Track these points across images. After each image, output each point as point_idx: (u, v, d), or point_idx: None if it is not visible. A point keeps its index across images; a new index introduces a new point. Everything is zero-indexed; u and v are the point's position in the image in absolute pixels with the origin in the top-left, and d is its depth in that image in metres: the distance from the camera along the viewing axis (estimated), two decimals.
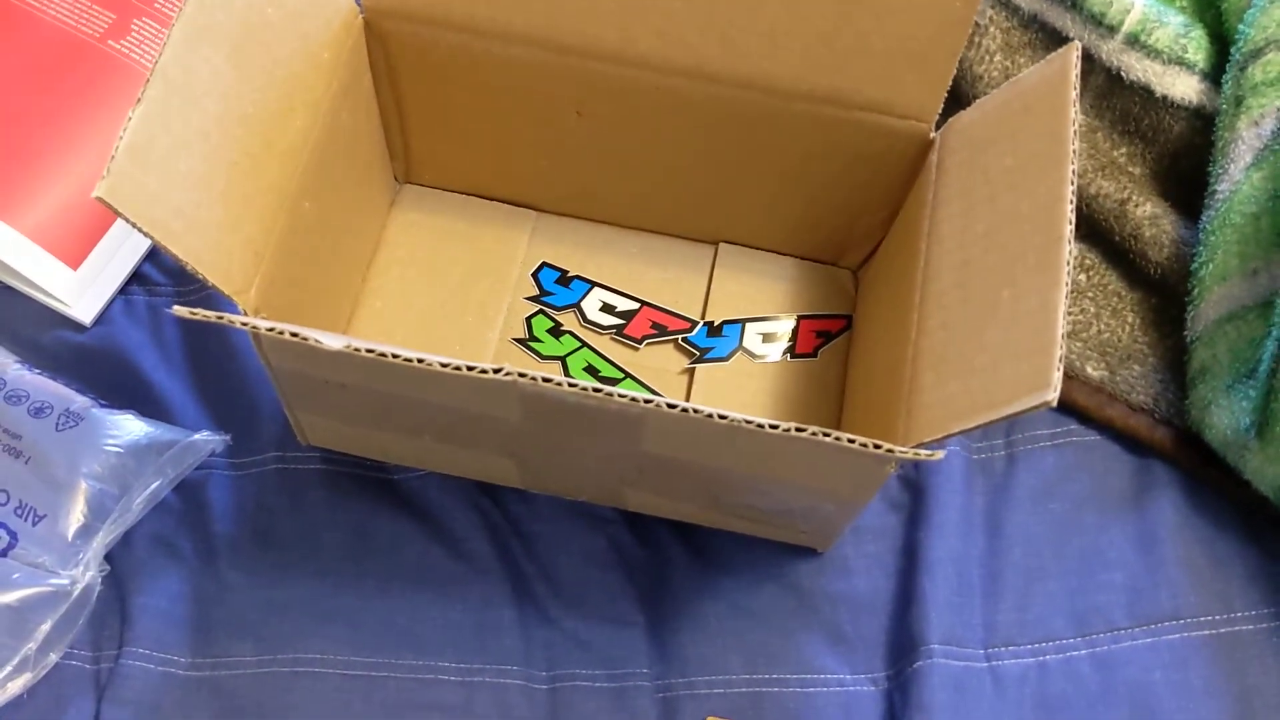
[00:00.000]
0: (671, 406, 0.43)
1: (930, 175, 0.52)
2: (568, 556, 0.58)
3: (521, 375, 0.43)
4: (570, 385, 0.43)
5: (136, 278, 0.66)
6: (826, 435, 0.43)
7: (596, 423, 0.47)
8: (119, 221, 0.65)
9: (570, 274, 0.64)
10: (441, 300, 0.62)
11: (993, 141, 0.49)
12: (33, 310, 0.64)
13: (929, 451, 0.42)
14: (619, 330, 0.62)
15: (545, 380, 0.42)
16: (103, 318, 0.64)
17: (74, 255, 0.64)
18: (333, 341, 0.40)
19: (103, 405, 0.58)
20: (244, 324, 0.41)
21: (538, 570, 0.58)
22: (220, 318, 0.41)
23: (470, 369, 0.42)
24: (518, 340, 0.62)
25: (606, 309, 0.63)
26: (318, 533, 0.59)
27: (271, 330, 0.40)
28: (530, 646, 0.56)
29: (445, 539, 0.58)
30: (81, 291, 0.64)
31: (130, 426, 0.58)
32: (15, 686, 0.53)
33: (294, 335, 0.40)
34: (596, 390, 0.43)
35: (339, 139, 0.54)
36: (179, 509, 0.59)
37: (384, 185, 0.64)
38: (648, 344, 0.62)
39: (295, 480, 0.60)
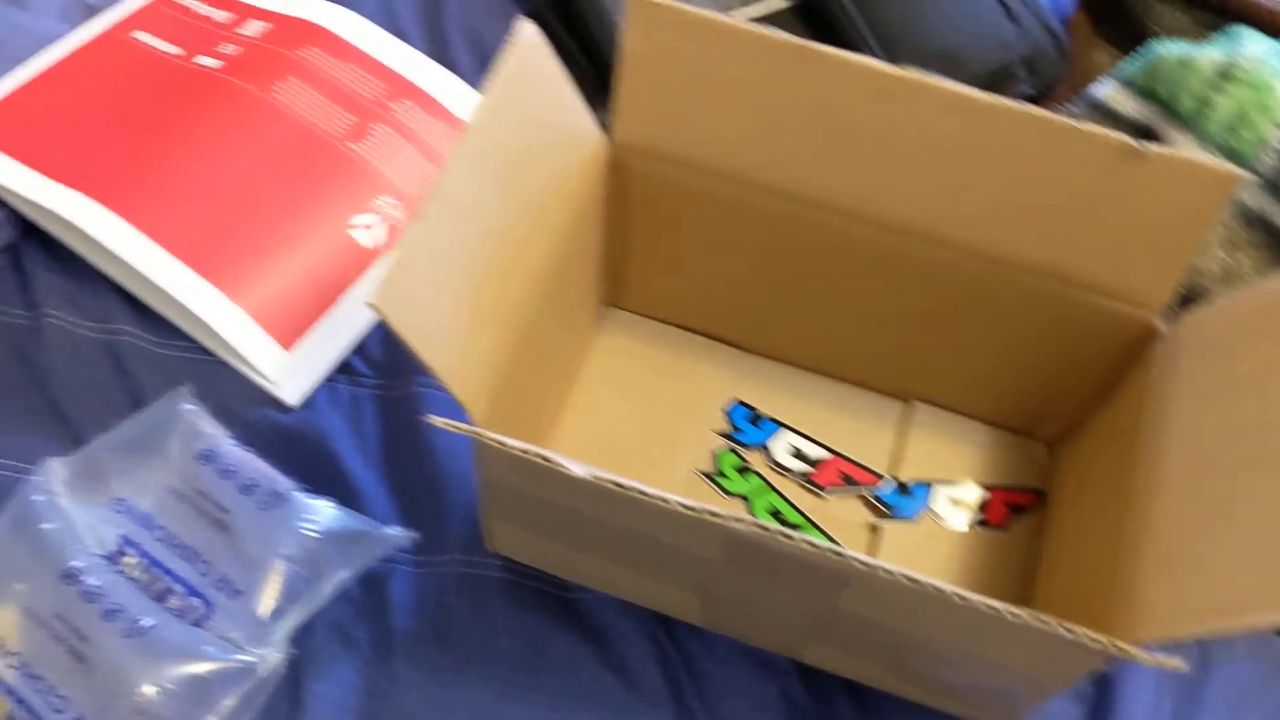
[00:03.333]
0: (889, 572, 0.43)
1: (1159, 367, 0.52)
2: (737, 700, 0.58)
3: (738, 520, 0.43)
4: (785, 535, 0.43)
5: (343, 367, 0.68)
6: (1048, 622, 0.42)
7: (798, 575, 0.47)
8: (333, 310, 0.68)
9: (762, 414, 0.64)
10: (635, 424, 0.63)
11: (1234, 343, 0.49)
12: (242, 387, 0.66)
13: (1171, 659, 0.41)
14: (806, 476, 0.62)
15: (762, 528, 0.43)
16: (307, 402, 0.67)
17: (288, 337, 0.67)
18: (578, 469, 0.41)
19: (303, 489, 0.60)
20: (496, 442, 0.42)
21: (705, 711, 0.57)
22: (473, 432, 0.42)
23: (693, 509, 0.43)
24: (704, 473, 0.63)
25: (795, 453, 0.63)
26: (494, 639, 0.59)
27: (526, 453, 0.42)
28: None
29: (618, 665, 0.58)
30: (291, 373, 0.66)
31: (327, 513, 0.59)
32: None
33: (543, 459, 0.42)
34: (812, 545, 0.43)
35: (572, 262, 0.56)
36: (359, 599, 0.60)
37: (595, 306, 0.65)
38: (834, 494, 0.62)
39: (476, 584, 0.60)
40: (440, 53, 0.79)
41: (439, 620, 0.60)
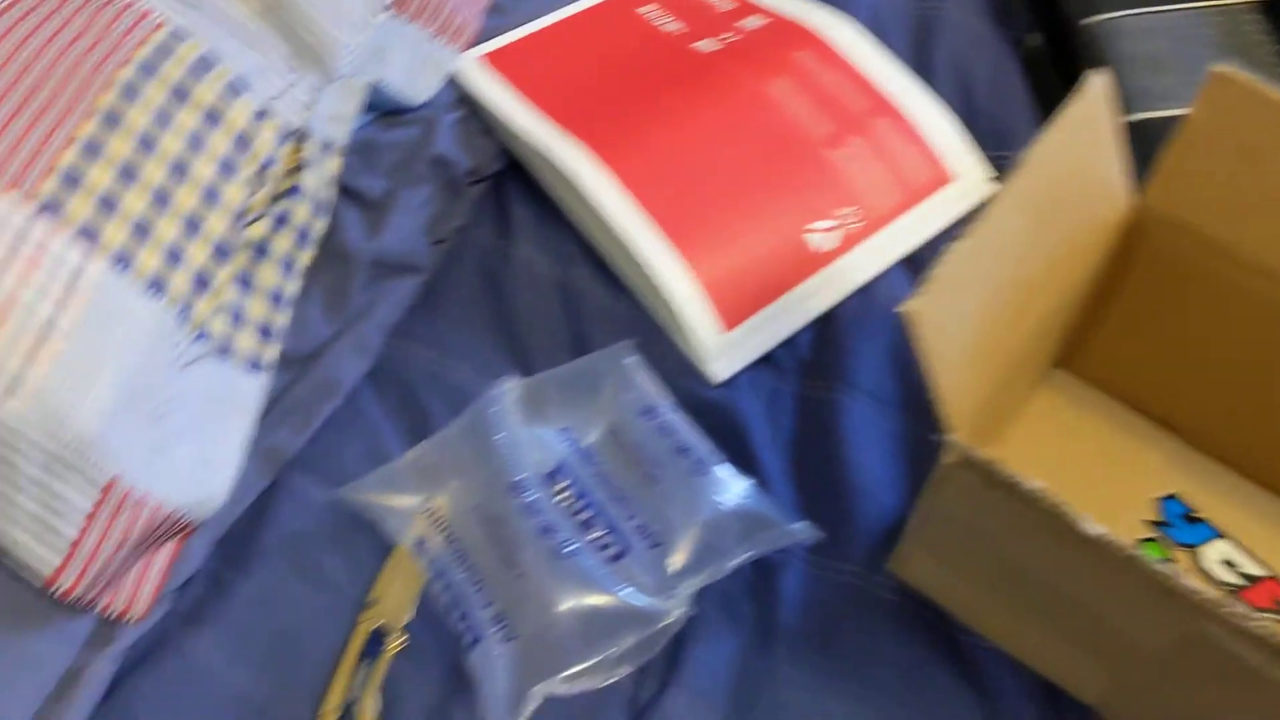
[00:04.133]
0: None
1: None
2: None
3: (1233, 613, 0.41)
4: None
5: (768, 358, 0.70)
6: None
7: (1257, 689, 0.45)
8: (776, 302, 0.70)
9: (1198, 515, 0.61)
10: (1058, 493, 0.62)
11: None
12: (674, 354, 0.70)
13: None
14: (1236, 591, 0.59)
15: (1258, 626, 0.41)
16: (730, 382, 0.69)
17: (731, 318, 0.69)
18: (1092, 528, 0.41)
19: (725, 464, 0.62)
20: (1008, 477, 0.43)
21: None
22: (992, 463, 0.43)
23: (1192, 591, 0.41)
24: None
25: (1228, 565, 0.60)
26: (876, 661, 0.59)
27: (1041, 492, 0.42)
28: None
29: None
30: (724, 353, 0.69)
31: (745, 493, 0.61)
32: (586, 682, 0.57)
33: (1054, 506, 0.41)
34: None
35: (1060, 316, 0.55)
36: (751, 582, 0.62)
37: (1044, 363, 0.64)
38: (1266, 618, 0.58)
39: (868, 601, 0.61)
40: (923, 77, 0.80)
41: (825, 625, 0.60)
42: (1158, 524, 0.61)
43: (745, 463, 0.65)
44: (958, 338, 0.47)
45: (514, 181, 0.77)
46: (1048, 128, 0.48)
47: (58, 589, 0.53)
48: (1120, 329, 0.61)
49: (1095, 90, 0.49)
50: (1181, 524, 0.61)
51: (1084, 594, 0.47)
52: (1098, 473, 0.63)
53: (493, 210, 0.76)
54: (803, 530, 0.61)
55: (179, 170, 0.60)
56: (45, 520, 0.52)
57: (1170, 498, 0.62)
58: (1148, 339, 0.61)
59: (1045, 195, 0.49)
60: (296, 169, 0.68)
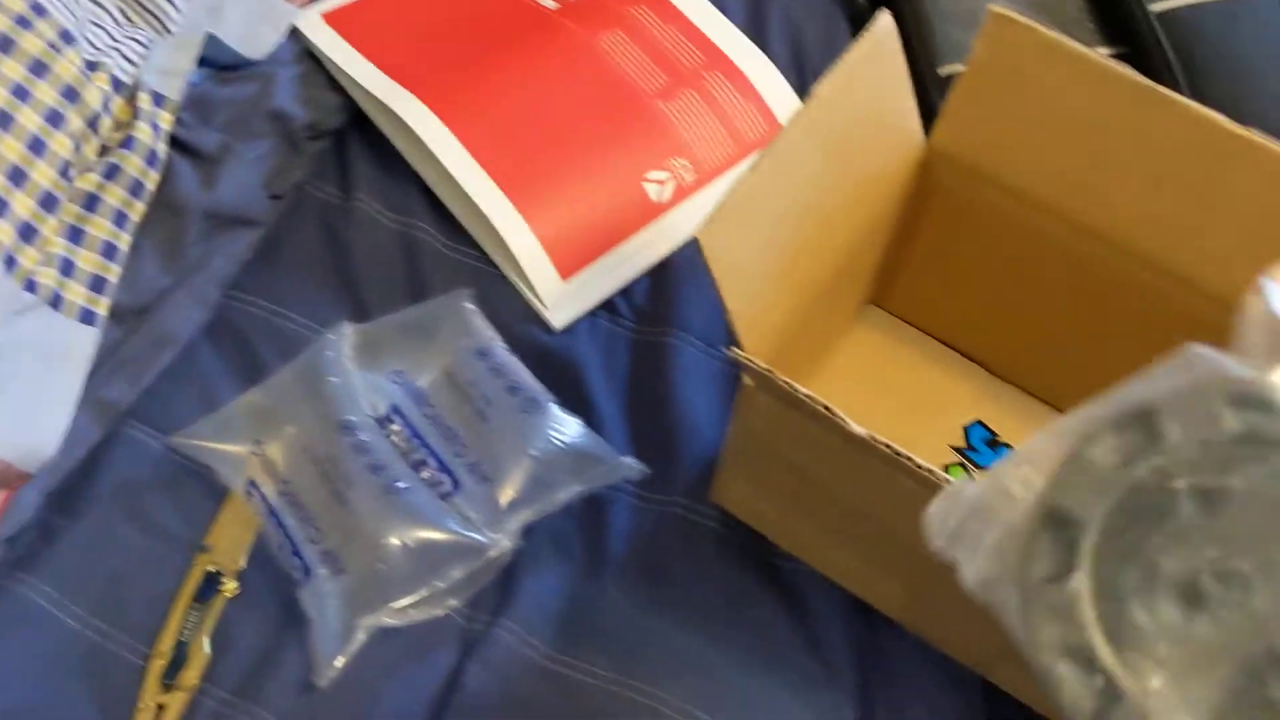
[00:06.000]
0: None
1: None
2: (919, 703, 0.59)
3: None
4: None
5: (607, 305, 0.72)
6: None
7: None
8: (613, 252, 0.72)
9: (1001, 440, 0.65)
10: (869, 423, 0.65)
11: None
12: (514, 303, 0.71)
13: None
14: None
15: None
16: (569, 329, 0.71)
17: (568, 267, 0.71)
18: (857, 429, 0.44)
19: (557, 403, 0.64)
20: (786, 383, 0.45)
21: (886, 705, 0.59)
22: (767, 370, 0.45)
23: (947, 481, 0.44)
24: None
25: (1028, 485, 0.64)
26: (700, 586, 0.62)
27: (810, 399, 0.44)
28: None
29: (811, 640, 0.60)
30: (562, 301, 0.71)
31: (575, 431, 0.63)
32: (414, 614, 0.59)
33: (826, 409, 0.44)
34: None
35: (864, 253, 0.58)
36: (581, 516, 0.64)
37: (858, 301, 0.68)
38: None
39: (692, 530, 0.63)
40: (757, 36, 0.82)
41: (651, 555, 0.63)
42: (964, 450, 0.65)
43: (582, 405, 0.67)
44: (751, 264, 0.49)
45: (356, 136, 0.78)
46: (838, 63, 0.51)
47: None
48: (923, 267, 0.65)
49: (884, 28, 0.52)
50: (984, 448, 0.65)
51: (869, 505, 0.50)
52: (910, 403, 0.66)
53: (334, 165, 0.77)
54: (630, 465, 0.63)
55: (3, 120, 0.60)
56: None
57: (975, 424, 0.66)
58: (949, 276, 0.64)
59: (837, 128, 0.52)
60: (129, 122, 0.68)
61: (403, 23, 0.79)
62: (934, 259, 0.64)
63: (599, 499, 0.64)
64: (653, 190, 0.73)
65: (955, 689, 0.59)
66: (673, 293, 0.72)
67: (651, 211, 0.73)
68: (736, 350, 0.46)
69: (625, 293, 0.73)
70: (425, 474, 0.62)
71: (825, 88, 0.50)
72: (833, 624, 0.61)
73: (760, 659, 0.60)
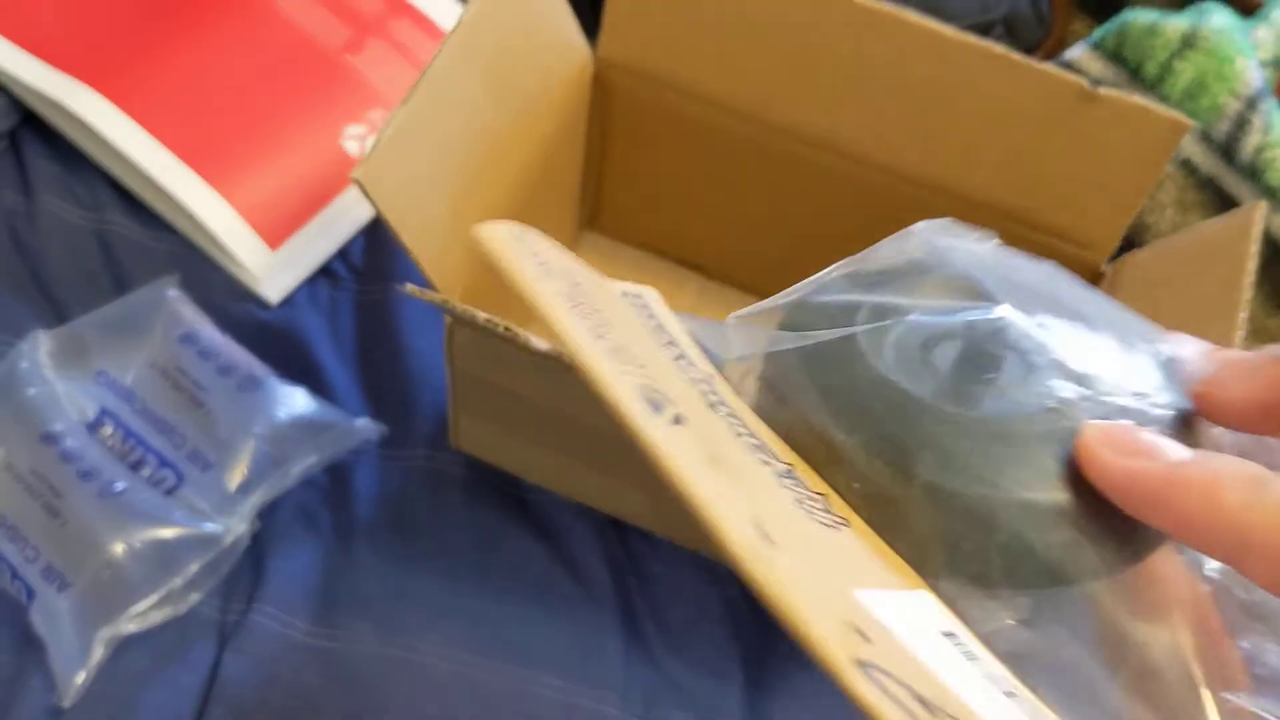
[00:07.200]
0: None
1: None
2: (680, 603, 0.60)
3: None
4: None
5: (325, 269, 0.70)
6: None
7: None
8: (320, 215, 0.70)
9: None
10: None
11: (1167, 282, 0.51)
12: (226, 282, 0.69)
13: None
14: None
15: None
16: (287, 300, 0.69)
17: (275, 237, 0.69)
18: (538, 342, 0.44)
19: (279, 378, 0.63)
20: (465, 311, 0.45)
21: (650, 610, 0.60)
22: (441, 299, 0.45)
23: None
24: None
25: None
26: (450, 533, 0.61)
27: (490, 323, 0.44)
28: (630, 680, 0.58)
29: (568, 563, 0.61)
30: (274, 272, 0.69)
31: (300, 401, 0.62)
32: (156, 616, 0.56)
33: (507, 330, 0.44)
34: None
35: (552, 174, 0.58)
36: (326, 486, 0.63)
37: (573, 229, 0.68)
38: None
39: (438, 480, 0.63)
40: None
41: (400, 511, 0.62)
42: None
43: (311, 374, 0.65)
44: (423, 198, 0.49)
45: (31, 138, 0.73)
46: None
47: None
48: (622, 183, 0.65)
49: None
50: None
51: (584, 416, 0.51)
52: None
53: (11, 169, 0.72)
54: (366, 426, 0.62)
55: None
56: None
57: None
58: (647, 188, 0.65)
59: (491, 48, 0.51)
60: None
61: (59, 6, 0.74)
62: (630, 174, 0.64)
63: (342, 466, 0.63)
64: (352, 146, 0.72)
65: (714, 582, 0.61)
66: (390, 246, 0.71)
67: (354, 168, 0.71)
68: (412, 286, 0.45)
69: (342, 254, 0.71)
70: (145, 472, 0.59)
71: (472, 11, 0.50)
72: (587, 544, 0.61)
73: (518, 592, 0.60)
